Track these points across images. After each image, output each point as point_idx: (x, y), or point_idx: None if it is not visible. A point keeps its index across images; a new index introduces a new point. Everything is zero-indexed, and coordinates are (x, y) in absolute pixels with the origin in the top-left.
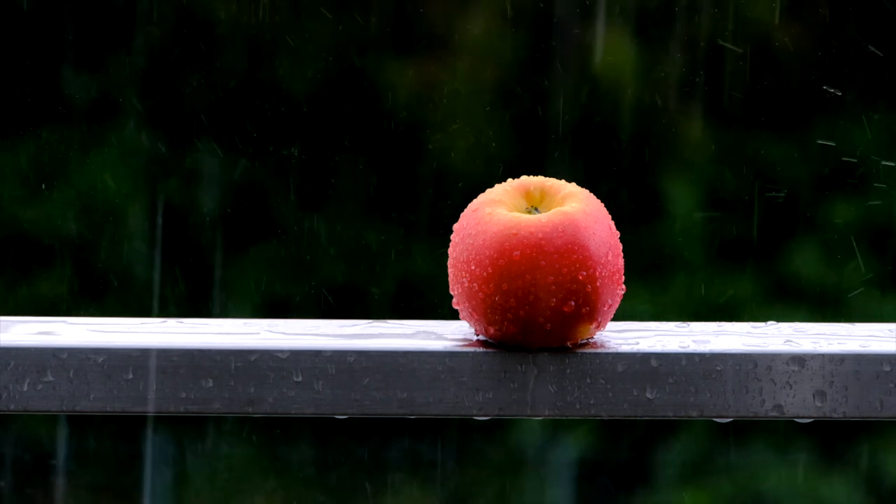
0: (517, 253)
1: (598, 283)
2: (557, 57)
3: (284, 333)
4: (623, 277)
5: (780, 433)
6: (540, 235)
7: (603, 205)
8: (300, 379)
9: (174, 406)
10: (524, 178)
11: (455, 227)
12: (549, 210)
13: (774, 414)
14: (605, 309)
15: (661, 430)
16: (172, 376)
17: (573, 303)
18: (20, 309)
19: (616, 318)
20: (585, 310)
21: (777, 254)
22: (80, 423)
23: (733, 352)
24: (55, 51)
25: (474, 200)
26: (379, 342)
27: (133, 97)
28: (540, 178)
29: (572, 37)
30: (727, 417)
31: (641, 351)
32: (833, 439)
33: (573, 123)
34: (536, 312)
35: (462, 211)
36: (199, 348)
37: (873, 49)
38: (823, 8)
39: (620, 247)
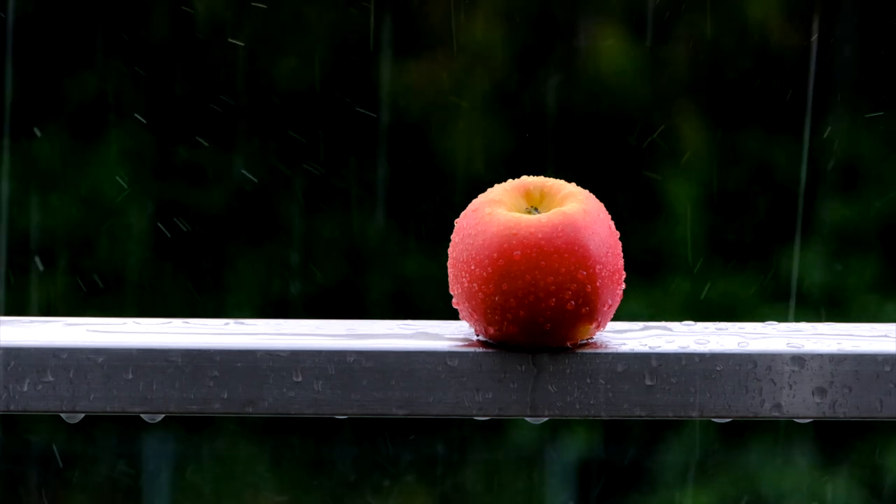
0: (517, 253)
1: (597, 284)
2: (557, 56)
3: (284, 333)
4: (623, 277)
5: (780, 433)
6: (540, 235)
7: (603, 205)
8: (300, 379)
9: (174, 406)
10: (524, 178)
11: (455, 226)
12: (549, 210)
13: (774, 414)
14: (605, 309)
15: (661, 430)
16: (172, 376)
17: (573, 303)
18: (20, 309)
19: (616, 318)
20: (585, 310)
21: (777, 254)
22: (80, 423)
23: (733, 352)
24: (54, 52)
25: (474, 200)
26: (379, 342)
27: (132, 97)
28: (540, 178)
29: (572, 36)
30: (727, 417)
31: (641, 351)
32: (833, 439)
33: (573, 123)
34: (536, 312)
35: (462, 211)
36: (200, 348)
37: (873, 48)
38: (823, 8)
39: (620, 247)
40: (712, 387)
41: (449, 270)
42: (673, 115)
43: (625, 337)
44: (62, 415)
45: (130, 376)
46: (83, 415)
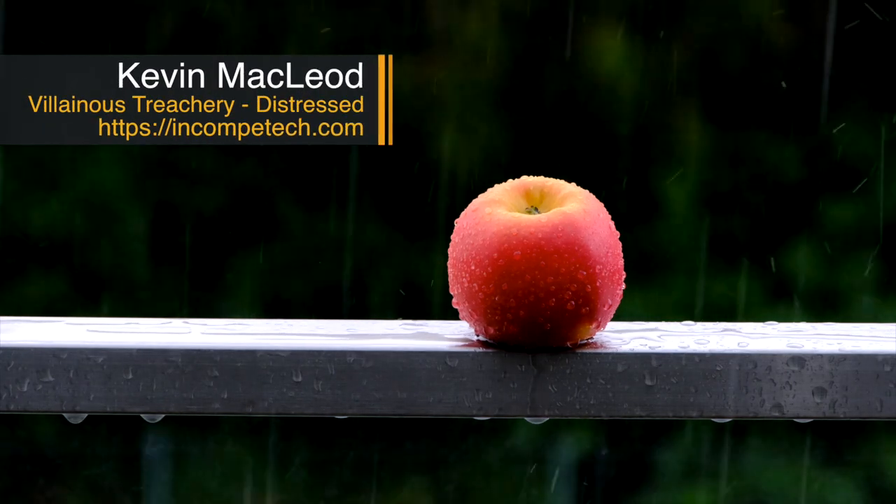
0: (517, 253)
1: (597, 283)
2: (555, 56)
3: (284, 333)
4: (623, 277)
5: (780, 433)
6: (540, 235)
7: (602, 205)
8: (300, 379)
9: (174, 406)
10: (524, 178)
11: (455, 227)
12: (549, 210)
13: (774, 414)
14: (605, 309)
15: (661, 430)
16: (172, 376)
17: (573, 303)
18: (20, 309)
19: (616, 318)
20: (585, 310)
21: (776, 254)
22: (80, 423)
23: (733, 352)
24: (53, 49)
25: (474, 200)
26: (379, 342)
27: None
28: (540, 178)
29: (570, 36)
30: (727, 417)
31: (641, 351)
32: (833, 439)
33: (572, 123)
34: (536, 312)
35: (462, 211)
36: (199, 348)
37: (874, 47)
38: (824, 6)
39: (620, 247)
40: (712, 387)
41: (449, 270)
42: (672, 114)
43: (625, 337)
44: (65, 415)
45: (130, 376)
46: (85, 415)
